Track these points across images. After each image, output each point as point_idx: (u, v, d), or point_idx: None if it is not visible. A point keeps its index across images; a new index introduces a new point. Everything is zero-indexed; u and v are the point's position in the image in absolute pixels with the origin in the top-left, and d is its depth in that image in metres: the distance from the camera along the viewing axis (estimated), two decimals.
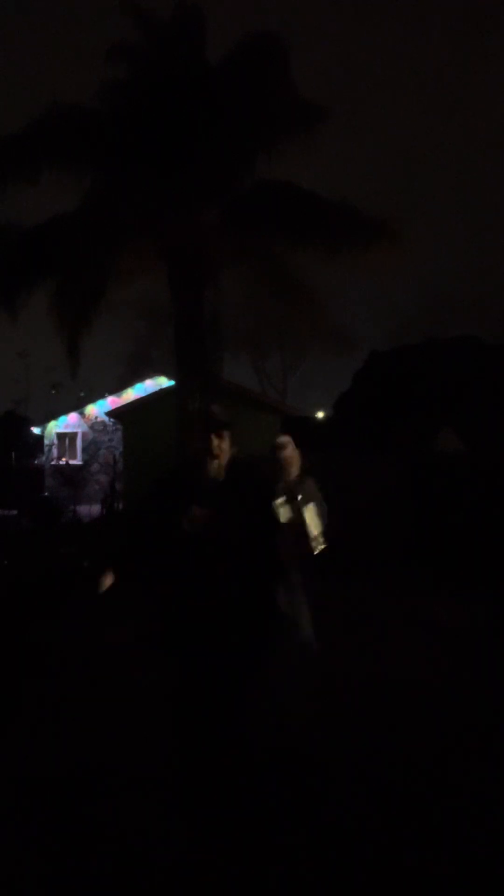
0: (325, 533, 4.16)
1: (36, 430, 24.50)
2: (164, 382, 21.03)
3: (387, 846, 2.87)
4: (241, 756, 3.15)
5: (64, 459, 22.43)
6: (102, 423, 22.80)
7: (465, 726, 4.07)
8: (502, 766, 3.59)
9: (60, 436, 24.27)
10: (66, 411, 24.26)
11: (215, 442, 3.20)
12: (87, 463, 21.74)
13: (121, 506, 15.36)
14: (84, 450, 23.47)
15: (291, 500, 4.02)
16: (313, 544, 3.93)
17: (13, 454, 21.88)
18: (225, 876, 2.66)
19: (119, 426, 21.10)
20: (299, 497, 3.98)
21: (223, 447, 3.22)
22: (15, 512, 16.22)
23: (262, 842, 2.85)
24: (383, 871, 2.71)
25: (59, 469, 21.04)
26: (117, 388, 23.70)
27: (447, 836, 2.93)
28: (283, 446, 4.36)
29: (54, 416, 24.28)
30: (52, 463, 22.46)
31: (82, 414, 23.93)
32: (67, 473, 20.04)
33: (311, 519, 3.97)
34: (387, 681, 4.79)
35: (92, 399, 23.55)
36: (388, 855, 2.81)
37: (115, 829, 3.01)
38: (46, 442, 23.87)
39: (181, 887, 2.62)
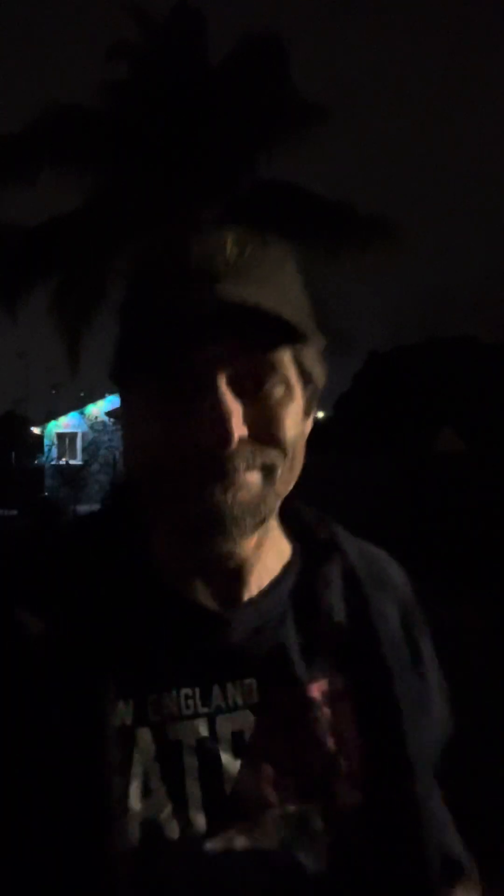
0: None
1: (36, 430, 24.50)
2: None
3: None
4: None
5: (64, 459, 22.43)
6: (102, 423, 22.80)
7: (465, 728, 4.07)
8: (502, 765, 3.59)
9: (60, 436, 24.27)
10: (66, 411, 24.27)
11: (230, 404, 0.53)
12: (87, 463, 21.73)
13: None
14: (84, 450, 23.47)
15: None
16: None
17: (13, 454, 21.90)
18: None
19: (119, 426, 21.08)
20: None
21: (284, 437, 0.56)
22: (15, 512, 16.24)
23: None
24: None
25: (59, 469, 21.04)
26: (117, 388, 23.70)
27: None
28: None
29: (54, 416, 24.28)
30: (52, 463, 22.46)
31: (82, 414, 23.92)
32: (67, 473, 20.04)
33: None
34: None
35: (92, 399, 23.55)
36: None
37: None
38: (46, 442, 23.88)
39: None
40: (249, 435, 0.57)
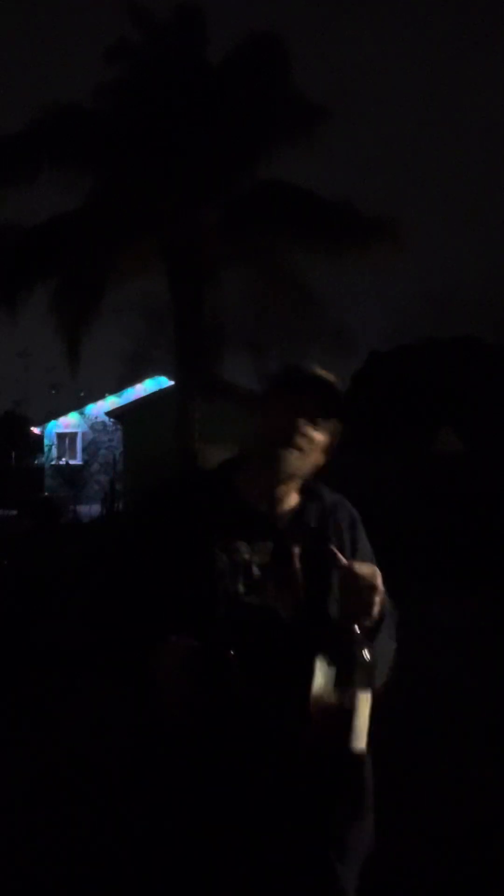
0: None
1: (36, 430, 24.51)
2: (164, 382, 21.04)
3: (386, 850, 2.87)
4: None
5: (64, 459, 22.43)
6: (102, 423, 22.80)
7: (465, 727, 4.07)
8: (503, 766, 3.59)
9: (60, 436, 24.28)
10: (66, 411, 24.26)
11: (306, 430, 1.35)
12: (87, 463, 21.73)
13: (121, 506, 15.38)
14: (84, 450, 23.48)
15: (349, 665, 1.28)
16: (354, 745, 1.29)
17: (13, 454, 21.91)
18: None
19: (119, 426, 21.10)
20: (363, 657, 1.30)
21: (314, 452, 1.38)
22: (15, 512, 16.23)
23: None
24: (382, 875, 2.71)
25: (59, 469, 21.05)
26: (117, 388, 23.70)
27: (447, 839, 2.93)
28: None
29: (54, 416, 24.28)
30: (52, 463, 22.47)
31: (82, 414, 23.93)
32: (67, 473, 20.04)
33: (364, 713, 1.31)
34: (386, 682, 4.79)
35: (92, 399, 23.55)
36: (388, 859, 2.81)
37: (114, 831, 3.01)
38: (46, 442, 23.88)
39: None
40: (305, 443, 1.35)
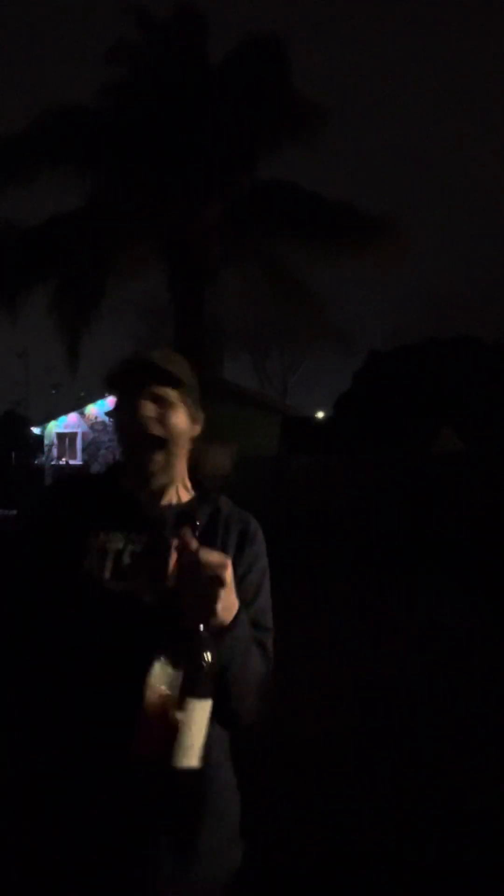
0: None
1: (36, 430, 24.51)
2: None
3: (387, 853, 2.87)
4: None
5: (64, 459, 22.43)
6: (102, 423, 22.80)
7: (466, 728, 4.06)
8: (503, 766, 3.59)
9: (60, 436, 24.27)
10: (66, 411, 24.26)
11: (147, 411, 1.34)
12: (87, 463, 21.74)
13: None
14: (84, 450, 23.47)
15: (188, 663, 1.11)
16: (179, 762, 1.06)
17: (13, 454, 21.90)
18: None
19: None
20: (205, 661, 1.10)
21: (173, 429, 1.36)
22: (15, 512, 16.23)
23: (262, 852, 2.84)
24: (382, 877, 2.71)
25: (59, 469, 21.05)
26: None
27: (448, 840, 2.93)
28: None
29: (54, 416, 24.28)
30: (52, 463, 22.46)
31: (82, 414, 23.92)
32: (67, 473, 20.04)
33: (200, 725, 1.08)
34: (387, 682, 4.79)
35: (92, 399, 23.55)
36: (389, 861, 2.81)
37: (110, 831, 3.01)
38: (46, 442, 23.88)
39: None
40: (158, 426, 1.33)
